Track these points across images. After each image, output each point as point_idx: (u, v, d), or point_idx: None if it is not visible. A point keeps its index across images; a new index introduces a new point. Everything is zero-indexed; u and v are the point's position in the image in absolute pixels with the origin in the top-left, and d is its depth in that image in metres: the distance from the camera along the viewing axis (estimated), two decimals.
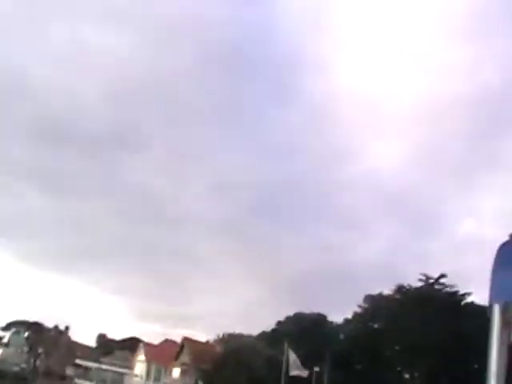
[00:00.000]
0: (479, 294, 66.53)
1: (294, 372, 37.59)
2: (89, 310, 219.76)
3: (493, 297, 3.25)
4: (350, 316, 67.75)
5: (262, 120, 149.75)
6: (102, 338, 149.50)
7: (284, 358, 37.69)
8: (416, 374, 65.88)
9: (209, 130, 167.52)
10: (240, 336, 69.29)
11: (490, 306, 3.20)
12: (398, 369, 65.04)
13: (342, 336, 65.30)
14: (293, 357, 37.62)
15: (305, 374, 37.86)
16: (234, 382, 53.74)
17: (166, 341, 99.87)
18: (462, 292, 66.00)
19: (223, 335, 72.22)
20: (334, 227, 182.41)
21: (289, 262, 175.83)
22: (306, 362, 46.00)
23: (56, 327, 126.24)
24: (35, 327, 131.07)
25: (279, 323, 69.36)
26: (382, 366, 61.71)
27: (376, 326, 65.24)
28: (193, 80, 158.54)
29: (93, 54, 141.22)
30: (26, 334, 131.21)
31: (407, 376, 65.47)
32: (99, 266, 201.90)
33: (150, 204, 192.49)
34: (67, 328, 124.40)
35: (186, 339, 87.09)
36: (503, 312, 3.16)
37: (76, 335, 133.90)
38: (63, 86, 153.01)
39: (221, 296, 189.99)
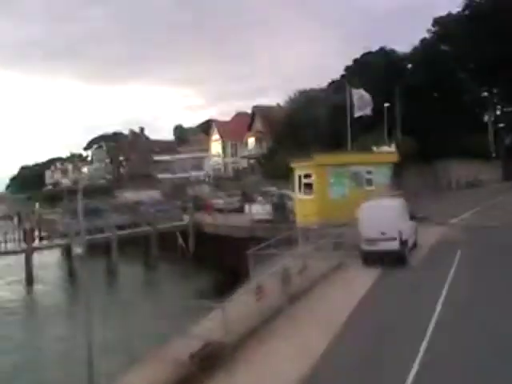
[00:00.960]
0: None
1: (358, 113, 34.60)
2: (163, 108, 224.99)
3: None
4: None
5: None
6: (178, 129, 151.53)
7: (348, 100, 34.36)
8: (495, 90, 61.69)
9: None
10: (309, 91, 65.36)
11: None
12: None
13: (410, 66, 60.30)
14: (357, 96, 34.17)
15: (368, 111, 34.66)
16: (301, 139, 52.00)
17: (238, 115, 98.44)
18: None
19: (294, 94, 68.13)
20: None
21: (352, 7, 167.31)
22: (376, 99, 43.02)
23: (131, 131, 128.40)
24: (113, 138, 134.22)
25: (347, 68, 64.60)
26: (458, 107, 57.14)
27: (447, 48, 59.62)
28: None
29: None
30: (105, 147, 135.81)
31: (485, 94, 61.42)
32: (165, 62, 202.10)
33: None
34: (142, 130, 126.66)
35: (256, 107, 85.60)
36: None
37: (155, 134, 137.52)
38: None
39: (288, 54, 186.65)
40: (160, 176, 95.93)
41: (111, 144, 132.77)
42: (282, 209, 33.97)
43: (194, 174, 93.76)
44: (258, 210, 35.78)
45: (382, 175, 30.30)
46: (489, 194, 43.42)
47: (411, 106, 49.92)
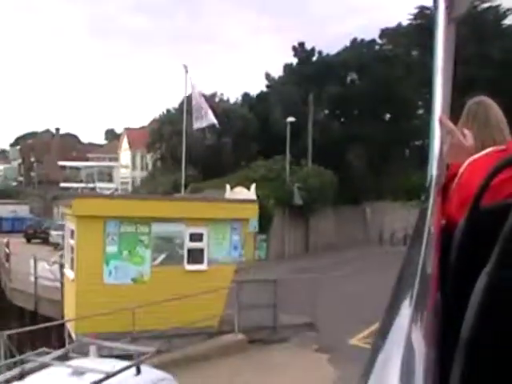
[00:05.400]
0: None
1: (196, 124, 22.21)
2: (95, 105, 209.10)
3: None
4: None
5: None
6: (110, 133, 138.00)
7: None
8: None
9: None
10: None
11: None
12: None
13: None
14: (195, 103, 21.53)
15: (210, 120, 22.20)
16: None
17: (154, 121, 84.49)
18: None
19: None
20: None
21: None
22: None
23: (47, 131, 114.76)
24: (39, 136, 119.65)
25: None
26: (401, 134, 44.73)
27: None
28: None
29: None
30: (19, 146, 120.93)
31: None
32: None
33: None
34: (58, 130, 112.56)
35: None
36: None
37: (86, 137, 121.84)
38: None
39: None
40: (63, 185, 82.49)
41: (23, 142, 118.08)
42: None
43: (100, 185, 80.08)
44: (44, 270, 21.03)
45: (226, 243, 15.80)
46: None
47: (334, 126, 36.32)
